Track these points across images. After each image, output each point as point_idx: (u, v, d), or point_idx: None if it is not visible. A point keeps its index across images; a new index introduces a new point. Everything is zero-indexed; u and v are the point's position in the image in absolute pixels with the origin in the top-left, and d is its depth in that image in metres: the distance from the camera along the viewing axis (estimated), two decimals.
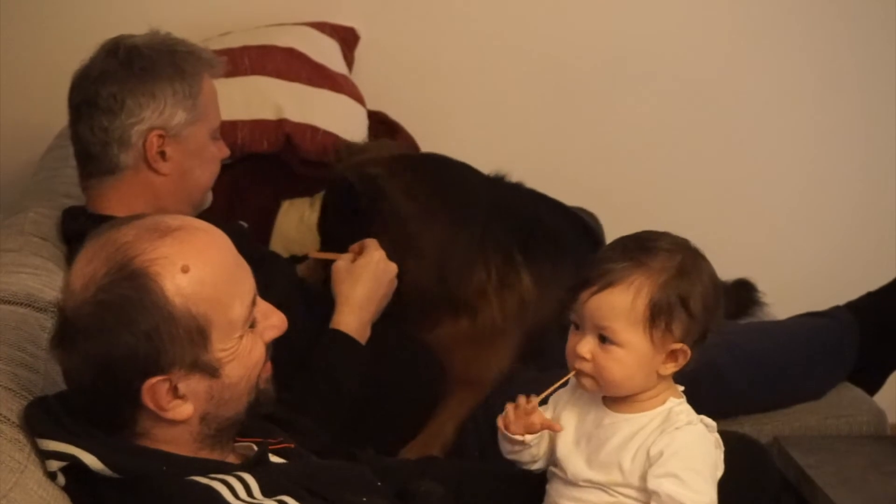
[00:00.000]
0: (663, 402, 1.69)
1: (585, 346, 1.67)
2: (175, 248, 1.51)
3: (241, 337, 1.55)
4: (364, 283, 2.21)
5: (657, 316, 1.64)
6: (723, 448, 1.71)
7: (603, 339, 1.66)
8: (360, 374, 2.13)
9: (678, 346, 1.66)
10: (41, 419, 1.55)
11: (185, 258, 1.51)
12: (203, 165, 2.22)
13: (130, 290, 1.48)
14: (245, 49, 2.94)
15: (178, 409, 1.52)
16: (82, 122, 2.17)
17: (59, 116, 2.18)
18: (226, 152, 2.31)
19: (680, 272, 1.66)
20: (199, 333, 1.51)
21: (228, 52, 2.91)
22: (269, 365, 1.62)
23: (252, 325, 1.58)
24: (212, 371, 1.53)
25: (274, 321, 1.62)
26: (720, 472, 1.69)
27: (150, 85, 2.14)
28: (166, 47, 2.18)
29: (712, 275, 1.69)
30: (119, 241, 1.51)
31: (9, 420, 1.56)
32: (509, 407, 1.74)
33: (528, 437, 1.73)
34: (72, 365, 1.53)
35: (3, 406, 1.59)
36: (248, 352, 1.57)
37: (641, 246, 1.68)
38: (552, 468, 1.76)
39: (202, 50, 2.24)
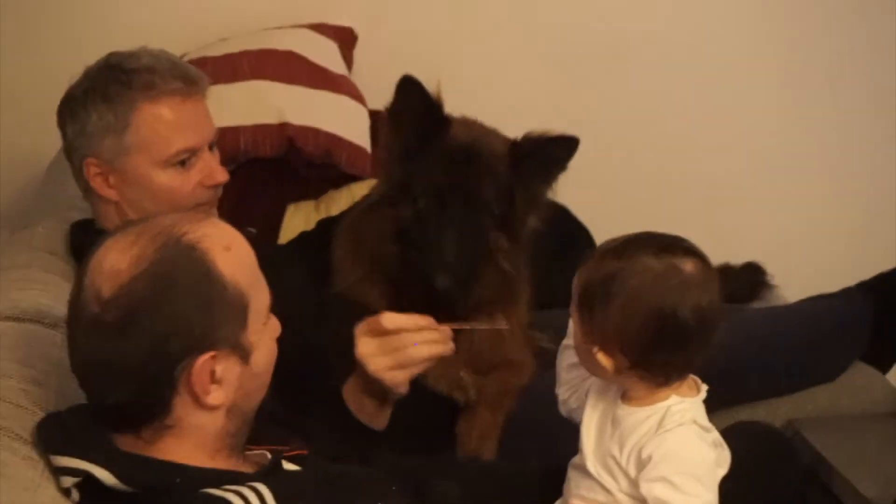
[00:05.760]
0: (665, 399, 1.67)
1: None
2: (215, 230, 1.56)
3: (264, 324, 1.58)
4: None
5: (582, 303, 1.66)
6: (725, 447, 1.70)
7: None
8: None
9: (593, 345, 1.65)
10: (54, 435, 1.56)
11: (226, 239, 1.56)
12: (153, 198, 2.09)
13: (186, 261, 1.51)
14: (244, 54, 2.94)
15: (216, 394, 1.54)
16: None
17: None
18: (214, 178, 2.14)
19: (615, 276, 1.63)
20: (242, 311, 1.54)
21: (228, 58, 2.93)
22: None
23: (269, 318, 1.60)
24: (245, 355, 1.55)
25: (276, 322, 1.64)
26: (723, 470, 1.68)
27: (81, 112, 2.09)
28: (105, 75, 2.10)
29: (662, 304, 1.60)
30: (159, 225, 1.55)
31: (21, 438, 1.57)
32: None
33: None
34: (116, 349, 1.50)
35: (15, 424, 1.59)
36: (269, 343, 1.60)
37: (631, 244, 1.66)
38: (574, 460, 1.76)
39: (151, 74, 2.08)
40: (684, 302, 1.61)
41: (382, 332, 1.84)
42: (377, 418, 1.92)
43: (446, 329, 1.87)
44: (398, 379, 1.86)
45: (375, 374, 1.85)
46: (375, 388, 1.88)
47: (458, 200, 2.22)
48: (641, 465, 1.64)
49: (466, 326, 2.05)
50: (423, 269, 2.20)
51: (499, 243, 2.27)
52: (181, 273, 1.51)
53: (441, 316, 1.91)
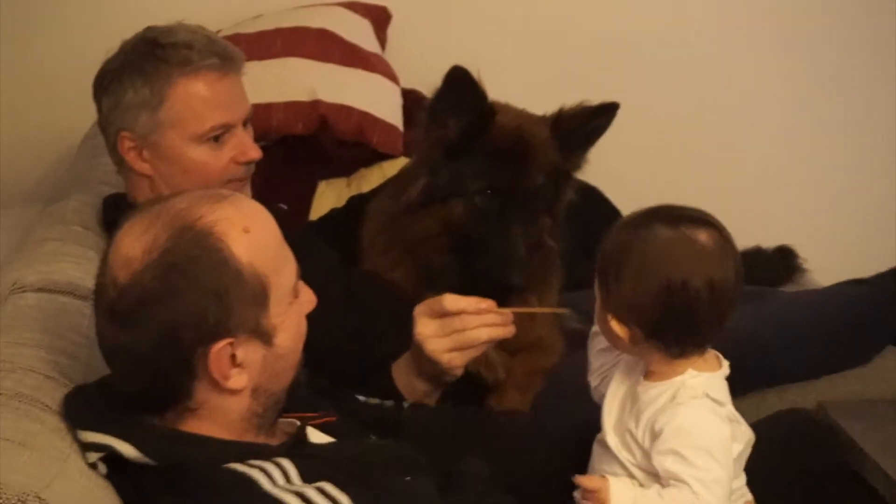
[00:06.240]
0: (681, 373, 1.66)
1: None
2: (233, 211, 1.54)
3: (290, 304, 1.56)
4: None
5: (600, 272, 1.66)
6: (741, 422, 1.69)
7: None
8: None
9: (609, 314, 1.65)
10: (79, 409, 1.56)
11: (245, 221, 1.53)
12: (185, 173, 2.08)
13: (198, 249, 1.49)
14: (277, 31, 2.95)
15: (237, 378, 1.53)
16: None
17: (93, 106, 2.19)
18: (248, 154, 2.13)
19: (629, 245, 1.63)
20: (262, 294, 1.52)
21: (261, 35, 2.94)
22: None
23: (296, 296, 1.59)
24: (267, 338, 1.53)
25: (309, 296, 1.62)
26: (739, 445, 1.67)
27: (115, 86, 2.09)
28: (141, 50, 2.09)
29: (672, 273, 1.59)
30: (175, 207, 1.53)
31: (50, 409, 1.58)
32: None
33: None
34: (130, 338, 1.50)
35: (45, 395, 1.60)
36: (297, 322, 1.58)
37: (650, 214, 1.66)
38: (598, 436, 1.76)
39: (189, 50, 2.07)
40: (696, 273, 1.59)
41: (443, 314, 1.82)
42: (425, 401, 1.91)
43: (507, 312, 1.86)
44: (456, 362, 1.84)
45: (433, 356, 1.83)
46: (430, 370, 1.86)
47: (518, 195, 2.18)
48: (654, 437, 1.63)
49: (527, 311, 2.02)
50: (490, 266, 2.15)
51: (546, 224, 2.25)
52: (193, 262, 1.49)
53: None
